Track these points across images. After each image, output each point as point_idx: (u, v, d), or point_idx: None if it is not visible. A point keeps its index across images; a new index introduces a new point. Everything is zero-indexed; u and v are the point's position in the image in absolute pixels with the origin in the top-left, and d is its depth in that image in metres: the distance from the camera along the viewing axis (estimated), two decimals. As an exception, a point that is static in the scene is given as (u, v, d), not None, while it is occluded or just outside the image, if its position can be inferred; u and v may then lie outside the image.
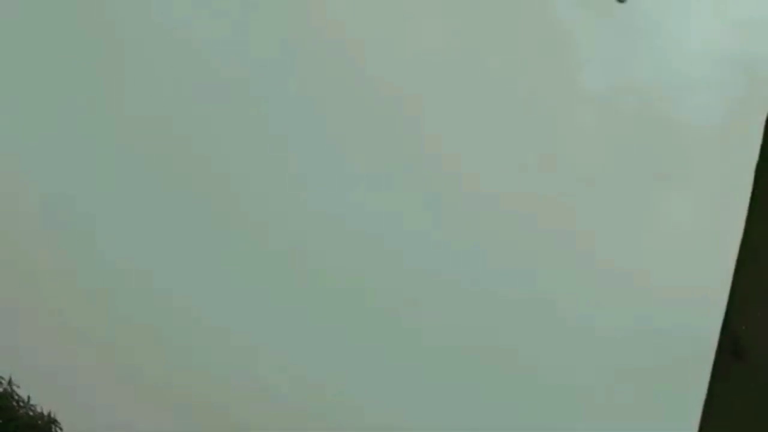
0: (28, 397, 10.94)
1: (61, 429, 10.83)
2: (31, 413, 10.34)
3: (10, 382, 11.01)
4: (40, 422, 10.47)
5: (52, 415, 10.72)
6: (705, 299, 1.37)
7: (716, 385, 1.62)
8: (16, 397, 11.24)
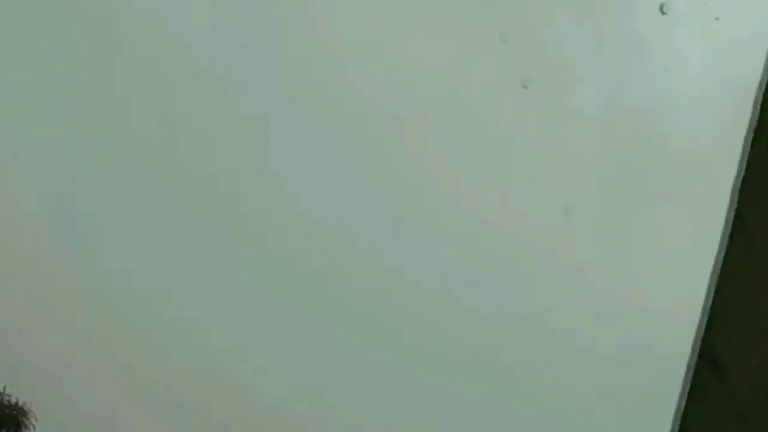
0: (4, 387, 10.94)
1: (36, 419, 10.84)
2: (6, 403, 10.37)
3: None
4: (15, 412, 10.48)
5: (24, 407, 10.72)
6: (689, 317, 1.40)
7: (693, 405, 1.65)
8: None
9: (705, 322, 1.61)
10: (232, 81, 1.51)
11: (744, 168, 1.59)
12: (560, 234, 1.62)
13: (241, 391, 1.54)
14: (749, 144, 1.59)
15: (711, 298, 1.61)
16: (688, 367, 1.64)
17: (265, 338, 1.56)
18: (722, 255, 1.61)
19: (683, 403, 1.64)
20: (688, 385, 1.62)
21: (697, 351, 1.62)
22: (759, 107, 1.57)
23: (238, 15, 1.50)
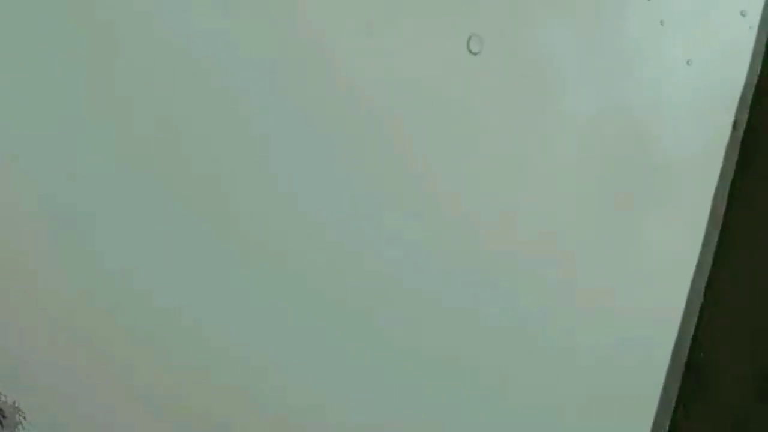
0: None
1: (25, 418, 10.73)
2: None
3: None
4: (2, 409, 10.40)
5: (16, 404, 10.63)
6: (674, 321, 1.39)
7: (678, 414, 1.66)
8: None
9: (687, 326, 1.61)
10: (231, 82, 1.52)
11: (725, 171, 1.60)
12: (550, 237, 1.63)
13: (240, 391, 1.54)
14: (732, 147, 1.61)
15: (693, 302, 1.62)
16: (670, 371, 1.65)
17: (265, 338, 1.56)
18: (706, 258, 1.62)
19: (666, 407, 1.64)
20: (676, 389, 1.63)
21: (682, 355, 1.62)
22: (739, 110, 1.59)
23: (238, 16, 1.51)
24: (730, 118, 1.63)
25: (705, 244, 1.67)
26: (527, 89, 1.57)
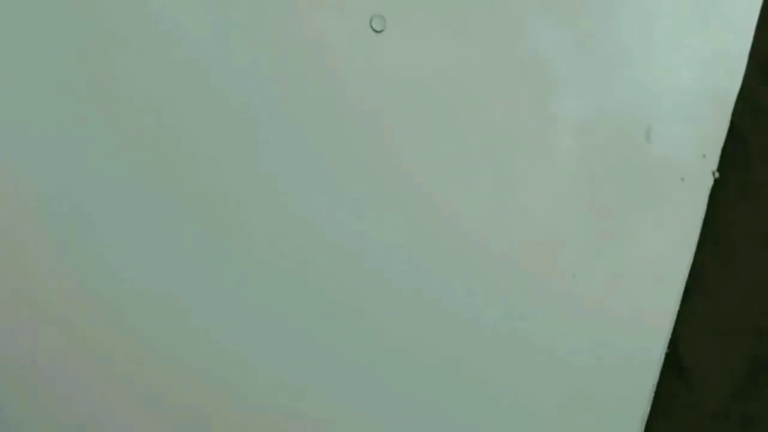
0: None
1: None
2: None
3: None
4: None
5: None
6: (660, 325, 1.39)
7: (657, 416, 1.66)
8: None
9: (682, 328, 1.62)
10: (232, 82, 1.52)
11: (722, 172, 1.61)
12: (543, 238, 1.63)
13: (240, 391, 1.54)
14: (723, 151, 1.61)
15: (687, 304, 1.62)
16: (662, 373, 1.65)
17: (265, 339, 1.56)
18: (701, 261, 1.62)
19: (657, 409, 1.65)
20: (667, 392, 1.63)
21: (674, 358, 1.63)
22: (736, 112, 1.59)
23: (237, 17, 1.51)
24: (727, 120, 1.64)
25: (700, 247, 1.67)
26: (521, 90, 1.58)
